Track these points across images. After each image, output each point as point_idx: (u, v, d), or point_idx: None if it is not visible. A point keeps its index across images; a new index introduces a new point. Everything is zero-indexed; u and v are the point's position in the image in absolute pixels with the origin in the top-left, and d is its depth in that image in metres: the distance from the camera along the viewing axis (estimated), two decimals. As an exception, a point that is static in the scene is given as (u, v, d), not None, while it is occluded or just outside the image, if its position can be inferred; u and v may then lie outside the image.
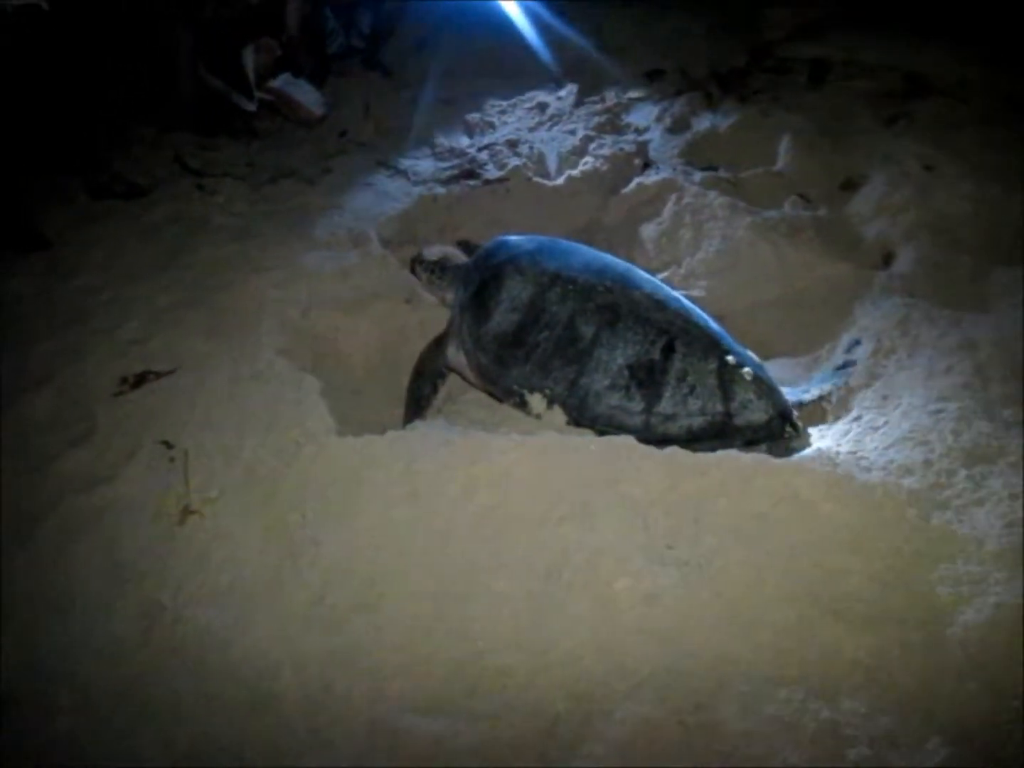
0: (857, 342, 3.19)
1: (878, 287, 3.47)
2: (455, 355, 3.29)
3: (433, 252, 3.72)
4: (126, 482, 2.70)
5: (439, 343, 3.42)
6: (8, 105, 4.16)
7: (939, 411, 2.62)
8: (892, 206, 3.95)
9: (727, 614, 2.06)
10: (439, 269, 3.64)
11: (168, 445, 2.80)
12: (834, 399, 3.00)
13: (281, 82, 5.41)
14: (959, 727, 1.81)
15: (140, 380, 3.12)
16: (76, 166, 4.75)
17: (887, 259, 3.74)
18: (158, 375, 3.13)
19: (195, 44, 5.05)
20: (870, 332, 3.17)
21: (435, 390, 3.36)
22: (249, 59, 5.20)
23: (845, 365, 3.10)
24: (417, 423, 3.13)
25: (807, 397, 3.02)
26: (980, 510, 2.24)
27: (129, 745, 2.00)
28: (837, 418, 2.91)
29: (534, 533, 2.28)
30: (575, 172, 4.59)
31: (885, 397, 2.82)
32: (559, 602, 2.11)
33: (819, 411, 3.03)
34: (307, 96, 5.52)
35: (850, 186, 4.27)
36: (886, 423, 2.68)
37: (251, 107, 5.37)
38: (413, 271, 3.77)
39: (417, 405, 3.33)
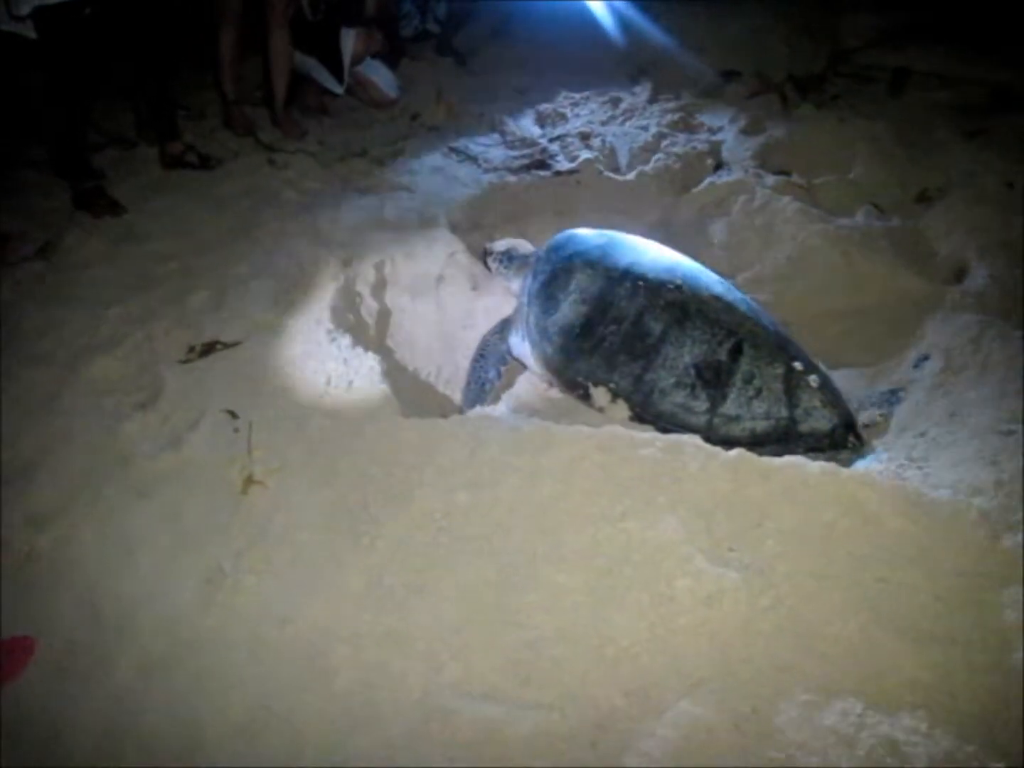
0: (926, 357, 3.13)
1: (950, 303, 3.41)
2: (519, 344, 3.29)
3: (502, 243, 3.73)
4: (191, 448, 2.73)
5: (503, 328, 3.42)
6: (87, 72, 4.22)
7: (1010, 432, 2.57)
8: (968, 222, 3.88)
9: (787, 621, 2.03)
10: (507, 258, 3.65)
11: (233, 415, 2.83)
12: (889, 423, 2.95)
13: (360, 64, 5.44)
14: (1023, 757, 1.78)
15: (208, 349, 3.17)
16: (152, 136, 4.82)
17: (959, 275, 3.67)
18: (226, 345, 3.17)
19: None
20: (940, 348, 3.10)
21: (499, 375, 3.37)
22: (348, 43, 5.23)
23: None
24: (478, 408, 3.14)
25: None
26: (1051, 536, 2.20)
27: (185, 707, 2.02)
28: (902, 432, 2.86)
29: (596, 526, 2.26)
30: (647, 168, 4.58)
31: (953, 415, 2.76)
32: (618, 597, 2.10)
33: (883, 424, 2.98)
34: (382, 78, 5.56)
35: (926, 199, 4.22)
36: (954, 441, 2.63)
37: (339, 90, 5.41)
38: (485, 261, 3.78)
39: (481, 389, 3.34)
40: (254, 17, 5.00)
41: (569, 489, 2.38)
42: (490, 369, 3.37)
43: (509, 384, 3.40)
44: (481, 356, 3.41)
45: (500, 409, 3.08)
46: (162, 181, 4.58)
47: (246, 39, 5.09)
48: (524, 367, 3.37)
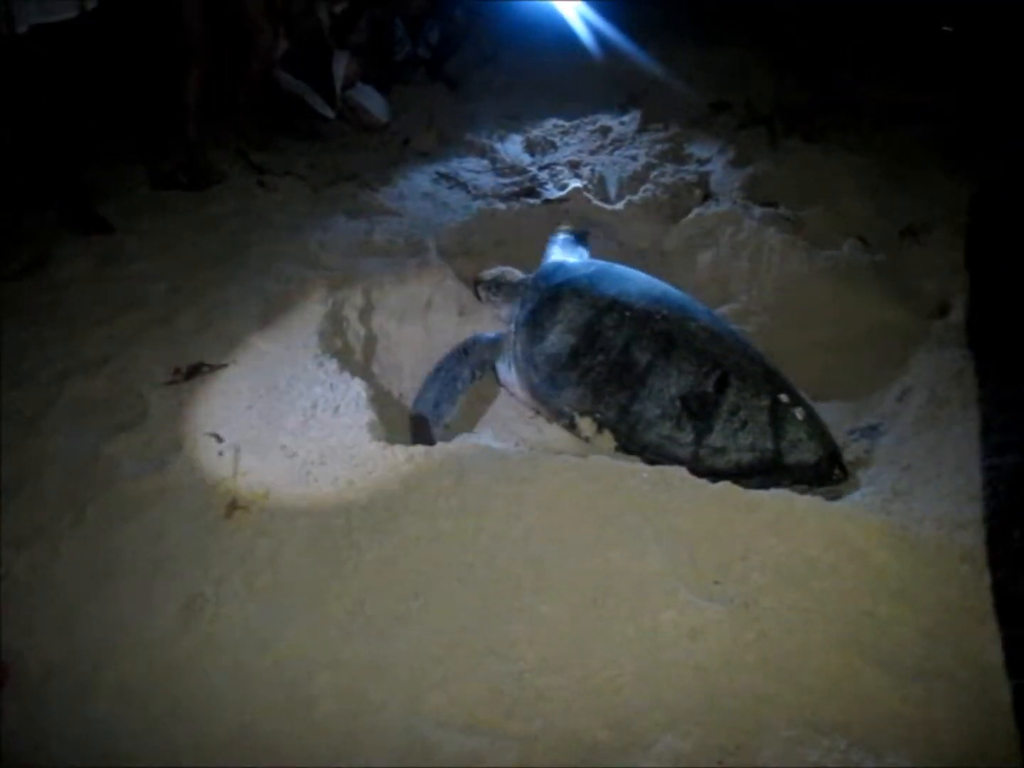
0: (909, 390, 3.15)
1: (934, 337, 3.43)
2: (506, 372, 3.29)
3: (491, 271, 3.75)
4: (174, 471, 2.70)
5: (494, 344, 3.42)
6: (78, 91, 4.22)
7: (994, 467, 2.58)
8: (952, 256, 3.91)
9: (772, 655, 2.03)
10: (495, 286, 3.66)
11: (217, 438, 2.81)
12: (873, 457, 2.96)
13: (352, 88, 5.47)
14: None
15: (193, 371, 3.14)
16: (141, 155, 4.81)
17: (944, 309, 3.69)
18: (211, 367, 3.15)
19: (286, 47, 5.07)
20: (924, 381, 3.12)
21: (472, 379, 3.36)
22: (340, 66, 5.26)
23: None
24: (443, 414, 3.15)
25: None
26: (1036, 571, 2.20)
27: (164, 734, 2.00)
28: (886, 465, 2.86)
29: (581, 556, 2.26)
30: (635, 198, 4.59)
31: (938, 448, 2.77)
32: (603, 629, 2.09)
33: (867, 457, 2.99)
34: (373, 102, 5.58)
35: (911, 233, 4.24)
36: (938, 476, 2.64)
37: (330, 114, 5.43)
38: (476, 291, 3.80)
39: (452, 387, 3.30)
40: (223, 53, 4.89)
41: (554, 519, 2.37)
42: (465, 368, 3.35)
43: (496, 413, 3.39)
44: (464, 352, 3.40)
45: (484, 436, 3.07)
46: (151, 201, 4.56)
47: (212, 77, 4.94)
48: (512, 395, 3.37)
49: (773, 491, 2.47)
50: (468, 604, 2.18)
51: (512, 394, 3.33)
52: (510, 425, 3.24)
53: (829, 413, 3.17)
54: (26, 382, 3.12)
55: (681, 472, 2.53)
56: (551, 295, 3.21)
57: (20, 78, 3.87)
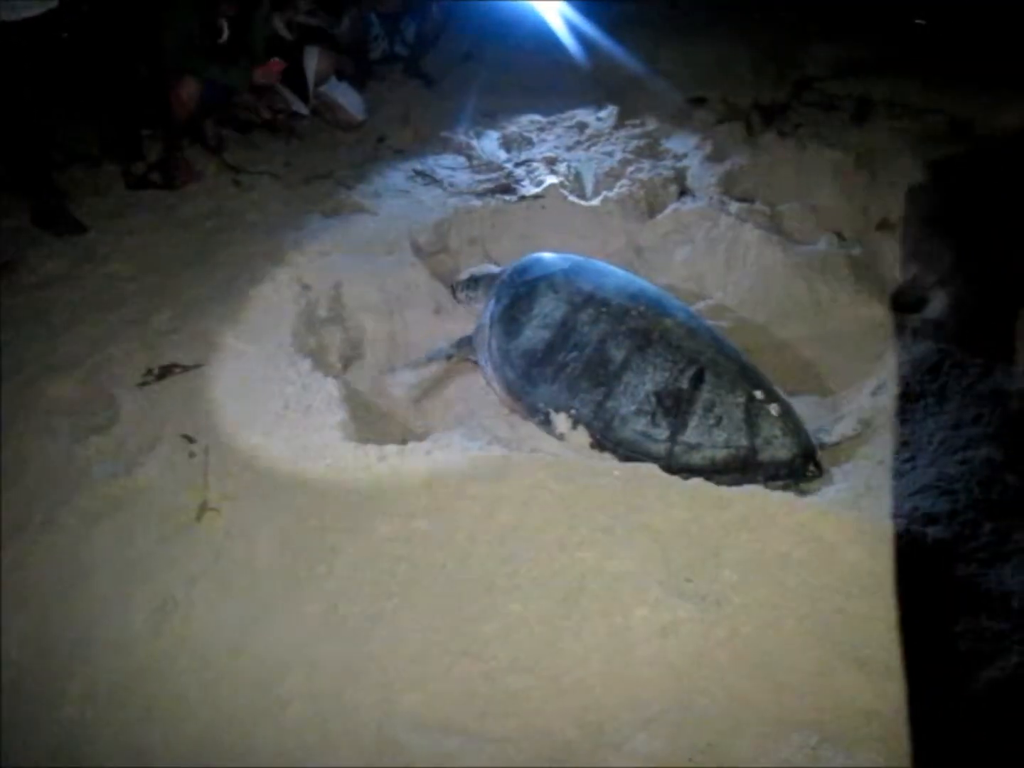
0: (884, 385, 3.16)
1: (909, 331, 3.44)
2: (484, 365, 3.29)
3: (466, 271, 3.76)
4: (146, 473, 2.69)
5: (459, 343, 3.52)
6: (52, 90, 4.18)
7: (966, 461, 2.59)
8: (927, 250, 3.92)
9: (743, 652, 2.03)
10: (473, 282, 3.66)
11: (189, 439, 2.80)
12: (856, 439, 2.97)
13: (326, 84, 5.44)
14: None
15: (166, 372, 3.13)
16: (116, 155, 4.77)
17: (919, 303, 3.71)
18: (184, 368, 3.13)
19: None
20: (899, 376, 3.13)
21: (439, 355, 3.53)
22: (312, 62, 5.23)
23: (863, 418, 3.08)
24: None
25: (828, 440, 3.00)
26: (1005, 565, 2.21)
27: (134, 739, 1.99)
28: (860, 460, 2.87)
29: (553, 556, 2.26)
30: (611, 194, 4.57)
31: (911, 443, 2.79)
32: (575, 628, 2.09)
33: (842, 452, 3.00)
34: (349, 100, 5.55)
35: (886, 226, 4.26)
36: (912, 469, 2.65)
37: (304, 111, 5.40)
38: (454, 295, 3.83)
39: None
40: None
41: (527, 518, 2.37)
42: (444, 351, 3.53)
43: (472, 411, 3.38)
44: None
45: (458, 435, 3.06)
46: (125, 201, 4.53)
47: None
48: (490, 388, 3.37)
49: (745, 488, 2.48)
50: (442, 604, 2.18)
51: (491, 389, 3.32)
52: (484, 423, 3.23)
53: (805, 408, 3.18)
54: (-1, 384, 3.10)
55: (653, 470, 2.54)
56: (527, 290, 3.20)
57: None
